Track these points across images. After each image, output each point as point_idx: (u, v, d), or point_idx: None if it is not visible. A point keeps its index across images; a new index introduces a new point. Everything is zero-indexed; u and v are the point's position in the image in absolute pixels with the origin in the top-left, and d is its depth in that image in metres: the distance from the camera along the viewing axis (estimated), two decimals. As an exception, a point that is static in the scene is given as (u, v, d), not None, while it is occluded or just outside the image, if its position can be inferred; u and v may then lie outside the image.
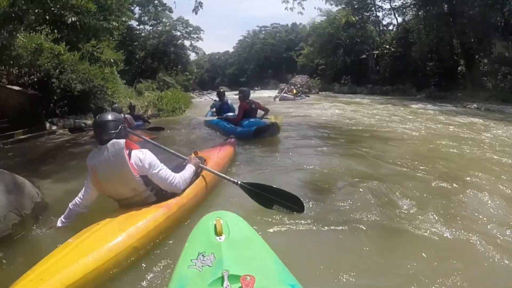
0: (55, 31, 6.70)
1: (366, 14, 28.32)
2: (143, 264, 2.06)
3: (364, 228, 2.44)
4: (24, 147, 6.81)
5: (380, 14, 28.20)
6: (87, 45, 7.57)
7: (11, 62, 9.02)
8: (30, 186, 3.11)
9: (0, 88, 8.50)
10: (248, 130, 5.99)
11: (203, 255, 1.45)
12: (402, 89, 21.95)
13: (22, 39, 9.12)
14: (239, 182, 2.84)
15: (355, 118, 9.47)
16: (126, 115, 7.33)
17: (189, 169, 2.79)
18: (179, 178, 2.58)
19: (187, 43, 29.88)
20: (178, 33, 28.66)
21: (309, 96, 21.59)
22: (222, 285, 1.23)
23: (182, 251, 1.61)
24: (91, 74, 10.91)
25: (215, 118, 7.90)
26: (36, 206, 2.97)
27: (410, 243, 2.29)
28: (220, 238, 1.55)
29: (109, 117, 2.45)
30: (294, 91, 20.88)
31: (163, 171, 2.45)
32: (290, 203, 2.64)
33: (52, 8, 6.08)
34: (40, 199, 3.12)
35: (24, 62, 9.46)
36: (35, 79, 9.49)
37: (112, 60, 8.42)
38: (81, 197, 2.56)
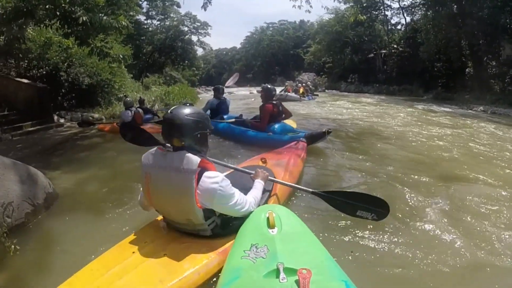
0: (65, 26, 6.81)
1: (374, 12, 28.04)
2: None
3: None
4: (32, 139, 6.90)
5: (388, 13, 27.94)
6: (96, 40, 7.68)
7: (20, 55, 9.13)
8: (42, 177, 3.22)
9: (9, 80, 8.63)
10: (292, 138, 4.80)
11: (256, 247, 1.47)
12: (409, 89, 21.80)
13: (31, 32, 9.22)
14: (317, 191, 2.57)
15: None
16: (137, 109, 7.44)
17: (259, 186, 2.23)
18: (252, 201, 2.00)
19: (194, 38, 29.81)
20: (186, 28, 28.61)
21: (318, 96, 19.18)
22: (277, 277, 1.25)
23: (234, 242, 1.66)
24: (99, 68, 11.01)
25: (222, 121, 6.27)
26: (48, 196, 3.09)
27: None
28: (272, 231, 1.56)
29: (190, 115, 1.85)
30: (301, 90, 18.00)
31: (235, 202, 1.85)
32: (374, 207, 2.36)
33: (63, 4, 6.20)
34: (52, 190, 3.24)
35: (33, 55, 9.56)
36: (44, 72, 9.60)
37: (121, 56, 8.50)
38: (140, 198, 2.12)
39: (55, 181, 3.63)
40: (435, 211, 2.82)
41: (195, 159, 1.75)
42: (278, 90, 23.36)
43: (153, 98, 13.96)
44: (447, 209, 2.89)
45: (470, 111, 12.10)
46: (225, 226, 1.96)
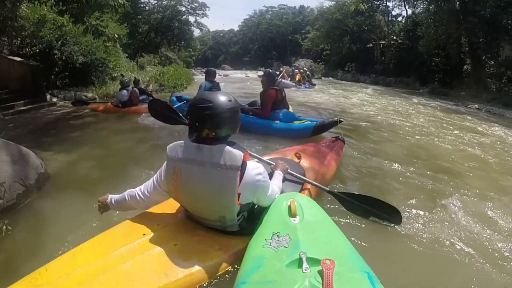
0: (60, 3, 6.64)
1: (376, 2, 27.70)
2: None
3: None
4: (24, 118, 6.83)
5: (390, 4, 27.78)
6: (91, 18, 7.52)
7: (14, 33, 8.94)
8: (34, 157, 3.20)
9: (2, 58, 8.45)
10: (305, 126, 4.69)
11: (277, 236, 1.45)
12: (406, 82, 21.77)
13: (25, 9, 8.98)
14: (334, 191, 2.55)
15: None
16: (134, 89, 7.36)
17: (280, 177, 2.14)
18: (276, 190, 1.90)
19: (191, 19, 29.32)
20: (183, 9, 28.06)
21: (315, 86, 16.96)
22: (300, 266, 1.24)
23: (255, 230, 1.63)
24: (93, 46, 10.81)
25: None
26: (40, 176, 3.08)
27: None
28: (294, 220, 1.53)
29: (229, 103, 1.61)
30: (297, 77, 16.49)
31: (270, 192, 1.77)
32: (387, 215, 2.38)
33: None
34: (44, 170, 3.22)
35: (26, 33, 9.36)
36: (37, 50, 9.43)
37: (116, 35, 8.34)
38: (145, 193, 1.84)
39: (47, 161, 3.63)
40: (454, 208, 2.85)
41: (238, 154, 1.55)
42: (239, 75, 22.59)
43: (147, 78, 13.78)
44: (467, 205, 2.92)
45: (465, 108, 12.18)
46: (251, 221, 1.82)
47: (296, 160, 2.79)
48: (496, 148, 5.55)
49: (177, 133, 5.10)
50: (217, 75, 7.14)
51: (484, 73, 16.70)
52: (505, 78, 15.40)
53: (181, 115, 3.43)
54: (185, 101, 6.55)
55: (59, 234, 2.25)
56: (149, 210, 1.93)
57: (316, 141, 3.94)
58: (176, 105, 6.41)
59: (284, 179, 2.29)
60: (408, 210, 2.72)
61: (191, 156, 1.61)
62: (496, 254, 2.20)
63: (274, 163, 2.34)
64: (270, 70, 5.39)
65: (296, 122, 4.85)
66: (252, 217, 1.85)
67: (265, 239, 1.46)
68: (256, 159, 2.56)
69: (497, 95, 14.51)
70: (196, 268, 1.53)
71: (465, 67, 18.54)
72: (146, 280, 1.41)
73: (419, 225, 2.51)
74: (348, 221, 2.46)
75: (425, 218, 2.62)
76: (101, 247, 1.58)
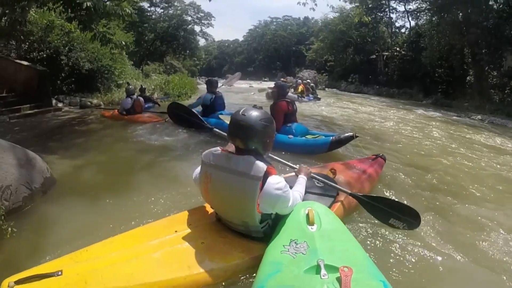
0: (69, 10, 6.74)
1: (379, 14, 28.00)
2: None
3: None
4: (30, 122, 6.88)
5: (393, 15, 27.90)
6: (99, 25, 7.62)
7: (22, 37, 9.05)
8: (40, 161, 3.22)
9: (9, 62, 8.55)
10: (321, 141, 4.41)
11: (295, 242, 1.49)
12: (409, 93, 21.81)
13: (34, 15, 9.13)
14: (355, 194, 2.54)
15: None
16: (138, 97, 7.43)
17: (303, 181, 2.20)
18: (298, 197, 1.94)
19: (197, 28, 29.65)
20: (189, 18, 28.43)
21: (320, 99, 14.93)
22: (318, 273, 1.26)
23: (272, 236, 1.66)
24: (100, 53, 10.94)
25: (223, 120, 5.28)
26: (46, 181, 3.09)
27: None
28: (312, 228, 1.57)
29: (263, 120, 1.76)
30: (300, 88, 14.33)
31: (291, 203, 1.80)
32: (407, 217, 2.36)
33: None
34: (49, 174, 3.23)
35: (34, 38, 9.48)
36: (44, 55, 9.51)
37: (123, 43, 8.44)
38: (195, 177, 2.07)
39: (53, 165, 3.62)
40: (466, 217, 2.86)
41: (262, 166, 1.68)
42: (267, 85, 21.46)
43: (152, 87, 13.89)
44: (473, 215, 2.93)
45: (468, 119, 12.15)
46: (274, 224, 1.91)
47: (331, 175, 2.82)
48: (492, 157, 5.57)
49: (180, 143, 5.16)
50: (219, 84, 6.95)
51: (487, 84, 16.73)
52: (508, 89, 15.42)
53: (203, 120, 3.35)
54: None
55: (63, 238, 2.27)
56: (184, 212, 2.13)
57: (357, 158, 3.90)
58: None
59: (316, 192, 2.49)
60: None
61: (220, 163, 1.78)
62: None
63: (297, 167, 2.46)
64: (281, 83, 5.17)
65: (310, 137, 4.64)
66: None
67: (283, 245, 1.49)
68: (280, 164, 2.71)
69: (500, 105, 14.51)
70: (217, 266, 1.66)
71: (468, 78, 18.58)
72: (171, 269, 1.59)
73: (433, 235, 2.49)
74: (364, 232, 2.47)
75: (438, 229, 2.61)
76: (136, 238, 1.80)
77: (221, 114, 5.64)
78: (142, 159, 4.38)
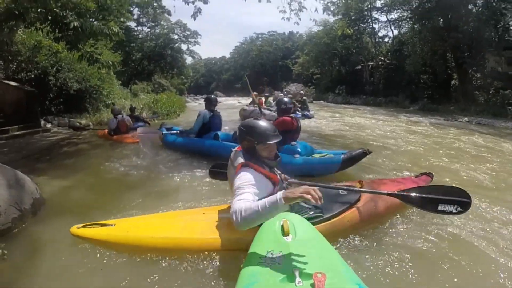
0: (56, 30, 6.75)
1: (362, 25, 28.73)
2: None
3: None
4: (19, 143, 6.79)
5: (376, 26, 28.65)
6: (86, 45, 7.63)
7: (10, 57, 8.99)
8: (29, 182, 3.18)
9: (-3, 82, 8.44)
10: (331, 160, 4.06)
11: (271, 253, 1.53)
12: (395, 101, 22.23)
13: (21, 35, 9.10)
14: (393, 192, 2.43)
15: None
16: (124, 116, 7.41)
17: (268, 204, 1.64)
18: (239, 206, 1.73)
19: (184, 47, 29.85)
20: (176, 37, 28.65)
21: (313, 116, 12.67)
22: (293, 281, 1.29)
23: (250, 248, 1.68)
24: (88, 73, 10.92)
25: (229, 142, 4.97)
26: (35, 201, 3.05)
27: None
28: (287, 238, 1.62)
29: (241, 124, 2.32)
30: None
31: (237, 195, 1.85)
32: (456, 197, 2.22)
33: (55, 9, 6.15)
34: (39, 195, 3.20)
35: (22, 58, 9.43)
36: (32, 76, 9.46)
37: (110, 62, 8.44)
38: None
39: (42, 186, 3.59)
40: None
41: (240, 159, 2.13)
42: (232, 101, 19.79)
43: (141, 106, 13.86)
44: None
45: (455, 122, 12.41)
46: None
47: (358, 186, 2.77)
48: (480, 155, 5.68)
49: (167, 161, 5.17)
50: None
51: (471, 86, 17.19)
52: (492, 89, 15.86)
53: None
54: (177, 132, 6.03)
55: (54, 258, 2.25)
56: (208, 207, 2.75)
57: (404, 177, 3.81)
58: (167, 137, 6.05)
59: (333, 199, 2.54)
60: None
61: (231, 156, 2.33)
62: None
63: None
64: (286, 99, 4.69)
65: (317, 156, 4.27)
66: None
67: (260, 257, 1.54)
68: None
69: (485, 106, 14.93)
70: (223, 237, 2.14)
71: (452, 82, 19.09)
72: (192, 232, 2.20)
73: (416, 238, 2.47)
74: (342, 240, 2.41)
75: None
76: (164, 216, 2.61)
77: (217, 134, 5.29)
78: (129, 178, 4.37)
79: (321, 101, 28.67)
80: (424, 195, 2.30)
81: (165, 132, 6.17)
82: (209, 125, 5.50)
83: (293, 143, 4.31)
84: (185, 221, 2.35)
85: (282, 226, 1.67)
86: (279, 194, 1.60)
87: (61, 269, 2.12)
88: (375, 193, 2.52)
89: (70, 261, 2.17)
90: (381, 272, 2.04)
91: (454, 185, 3.75)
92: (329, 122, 11.73)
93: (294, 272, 1.33)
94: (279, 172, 2.37)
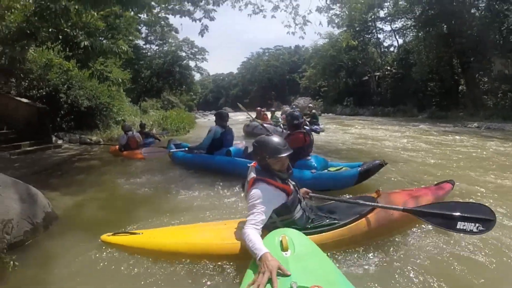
0: (67, 49, 6.95)
1: (367, 36, 28.96)
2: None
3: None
4: (31, 159, 6.87)
5: (381, 36, 28.92)
6: (96, 63, 7.81)
7: (22, 75, 9.22)
8: (42, 196, 3.23)
9: (10, 99, 8.65)
10: (348, 174, 3.93)
11: None
12: (404, 110, 22.13)
13: (33, 53, 9.36)
14: (408, 208, 2.35)
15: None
16: (134, 133, 7.49)
17: (258, 247, 1.77)
18: (245, 231, 1.94)
19: (192, 63, 30.44)
20: (184, 54, 29.25)
21: (323, 131, 11.96)
22: None
23: (249, 265, 1.71)
24: (98, 91, 11.10)
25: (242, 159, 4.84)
26: (47, 216, 3.10)
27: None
28: (286, 254, 1.67)
29: (255, 141, 2.42)
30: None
31: (249, 216, 2.05)
32: (477, 215, 2.06)
33: (65, 28, 6.36)
34: (51, 210, 3.24)
35: (34, 76, 9.65)
36: (44, 93, 9.65)
37: (120, 80, 8.60)
38: None
39: (54, 201, 3.62)
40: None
41: (252, 174, 2.25)
42: (241, 117, 17.82)
43: (150, 123, 14.00)
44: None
45: (464, 128, 12.22)
46: (285, 226, 2.15)
47: (375, 195, 2.69)
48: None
49: (177, 177, 5.13)
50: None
51: (479, 91, 17.02)
52: (501, 93, 15.66)
53: None
54: (185, 149, 5.94)
55: (64, 272, 2.26)
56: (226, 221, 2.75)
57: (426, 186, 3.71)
58: (176, 154, 5.94)
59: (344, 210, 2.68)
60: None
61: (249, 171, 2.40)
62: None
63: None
64: (296, 113, 4.53)
65: (332, 169, 4.15)
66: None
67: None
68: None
69: (494, 110, 14.73)
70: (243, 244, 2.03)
71: (460, 87, 18.92)
72: (213, 238, 2.32)
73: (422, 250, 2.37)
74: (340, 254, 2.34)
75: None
76: (188, 227, 2.69)
77: (229, 150, 5.12)
78: (140, 194, 4.36)
79: (330, 113, 28.69)
80: (441, 212, 2.17)
81: (173, 150, 6.09)
82: (221, 141, 5.29)
83: (308, 158, 4.18)
84: (208, 231, 2.51)
85: (281, 241, 1.73)
86: (263, 255, 1.66)
87: (70, 282, 2.13)
88: (390, 208, 2.41)
89: (80, 275, 2.18)
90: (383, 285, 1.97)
91: (477, 194, 3.70)
92: (339, 135, 11.59)
93: (292, 286, 1.37)
94: (293, 183, 2.40)
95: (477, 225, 2.01)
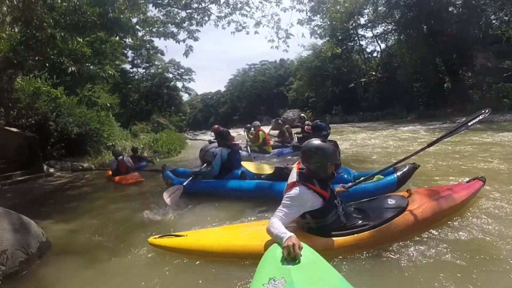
0: (54, 76, 6.94)
1: (350, 44, 29.60)
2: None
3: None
4: (22, 188, 6.80)
5: (363, 42, 29.66)
6: (84, 89, 7.81)
7: (10, 104, 9.17)
8: (35, 226, 3.21)
9: (-1, 129, 8.57)
10: (388, 182, 3.78)
11: (274, 280, 1.58)
12: (392, 112, 22.44)
13: (21, 82, 9.32)
14: (430, 143, 3.18)
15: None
16: (125, 158, 7.41)
17: (282, 233, 1.98)
18: (272, 220, 2.18)
19: (179, 84, 30.76)
20: (170, 75, 29.59)
21: None
22: None
23: (254, 277, 1.73)
24: (87, 117, 11.01)
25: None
26: (41, 245, 3.08)
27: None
28: (289, 264, 1.69)
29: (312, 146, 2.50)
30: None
31: (279, 208, 2.28)
32: (477, 116, 3.17)
33: (52, 56, 6.37)
34: (45, 239, 3.22)
35: (22, 104, 9.59)
36: (33, 122, 9.56)
37: (108, 104, 8.60)
38: None
39: (48, 230, 3.57)
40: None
41: (293, 177, 2.40)
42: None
43: (141, 146, 13.89)
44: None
45: (453, 124, 12.30)
46: (318, 227, 2.38)
47: (406, 195, 2.85)
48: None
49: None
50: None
51: (464, 86, 17.40)
52: (485, 85, 16.01)
53: None
54: (192, 177, 4.86)
55: None
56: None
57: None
58: (175, 181, 5.11)
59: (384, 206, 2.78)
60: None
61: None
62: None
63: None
64: (321, 123, 4.34)
65: (362, 179, 3.78)
66: (320, 226, 2.39)
67: (263, 284, 1.59)
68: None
69: (481, 103, 14.97)
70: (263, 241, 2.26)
71: (445, 85, 19.30)
72: (250, 239, 2.45)
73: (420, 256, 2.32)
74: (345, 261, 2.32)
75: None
76: (229, 228, 2.91)
77: (243, 172, 4.66)
78: (134, 219, 4.25)
79: (319, 124, 28.75)
80: (457, 130, 3.19)
81: (172, 176, 5.47)
82: (230, 163, 4.71)
83: (339, 171, 3.97)
84: (248, 232, 2.64)
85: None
86: (288, 237, 1.87)
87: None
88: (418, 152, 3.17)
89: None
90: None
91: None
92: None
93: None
94: (332, 188, 2.54)
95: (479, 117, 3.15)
